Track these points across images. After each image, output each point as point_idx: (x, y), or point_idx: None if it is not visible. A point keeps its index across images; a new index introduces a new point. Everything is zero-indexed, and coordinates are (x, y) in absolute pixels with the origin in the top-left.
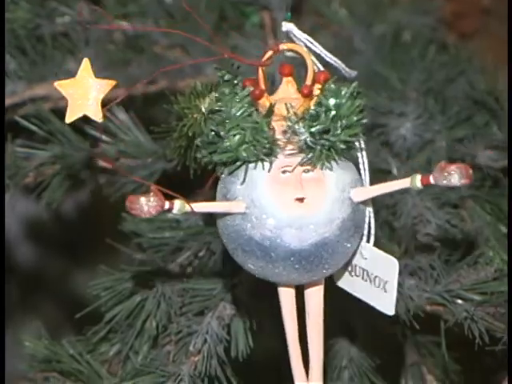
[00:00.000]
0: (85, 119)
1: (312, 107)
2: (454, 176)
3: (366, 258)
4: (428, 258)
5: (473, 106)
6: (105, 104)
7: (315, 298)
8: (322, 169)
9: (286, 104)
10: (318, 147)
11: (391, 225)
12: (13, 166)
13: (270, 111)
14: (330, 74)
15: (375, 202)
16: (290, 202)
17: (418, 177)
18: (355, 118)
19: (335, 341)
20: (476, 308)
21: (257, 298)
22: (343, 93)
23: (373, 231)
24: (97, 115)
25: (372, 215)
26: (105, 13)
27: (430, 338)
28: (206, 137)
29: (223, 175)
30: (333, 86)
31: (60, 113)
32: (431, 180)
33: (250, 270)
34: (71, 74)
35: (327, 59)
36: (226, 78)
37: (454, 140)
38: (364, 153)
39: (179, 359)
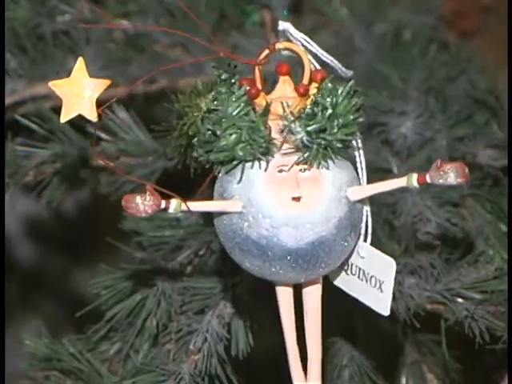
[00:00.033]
0: (84, 117)
1: (308, 106)
2: (450, 175)
3: (362, 257)
4: (428, 256)
5: (473, 105)
6: (100, 103)
7: (313, 296)
8: (318, 168)
9: (282, 103)
10: (315, 146)
11: (391, 223)
12: (13, 164)
13: (267, 110)
14: (327, 73)
15: (375, 200)
16: (286, 201)
17: (415, 176)
18: (352, 117)
19: (336, 340)
20: (476, 307)
21: (257, 297)
22: (340, 91)
23: (370, 230)
24: (91, 115)
25: (369, 214)
26: (105, 12)
27: (431, 337)
28: (202, 136)
29: (220, 174)
30: (329, 84)
31: (60, 111)
32: (427, 179)
33: (248, 269)
34: (71, 74)
35: (324, 58)
36: (224, 77)
37: (455, 139)
38: (361, 151)
39: (179, 358)
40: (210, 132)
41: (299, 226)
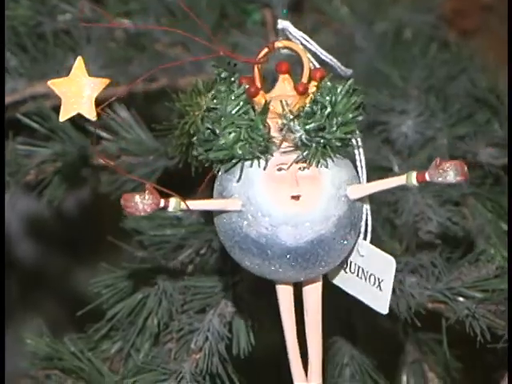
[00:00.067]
0: (84, 116)
1: (308, 105)
2: (450, 173)
3: (362, 256)
4: (429, 255)
5: (474, 104)
6: (100, 102)
7: (313, 295)
8: (317, 166)
9: (281, 101)
10: (314, 145)
11: (392, 222)
12: (14, 163)
13: (266, 109)
14: (326, 72)
15: (376, 199)
16: (285, 199)
17: (414, 174)
18: (351, 116)
19: (336, 338)
20: (477, 305)
21: (258, 296)
22: (339, 90)
23: (370, 228)
24: (90, 114)
25: (369, 212)
26: (106, 11)
27: (432, 336)
28: (201, 134)
29: (219, 173)
30: (328, 83)
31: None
32: (427, 177)
33: (247, 268)
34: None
35: (323, 57)
36: (223, 75)
37: (456, 137)
38: (361, 150)
39: (181, 357)
40: (209, 131)
41: (298, 224)
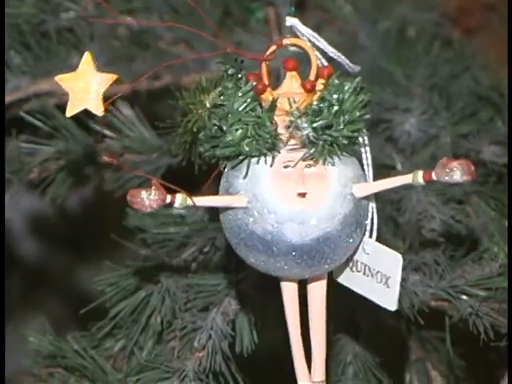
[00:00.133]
0: (90, 111)
1: (315, 102)
2: (456, 172)
3: (368, 254)
4: (433, 253)
5: (477, 102)
6: (107, 98)
7: (318, 292)
8: (324, 164)
9: (288, 99)
10: (321, 142)
11: (396, 220)
12: (17, 161)
13: (273, 106)
14: (334, 70)
15: (379, 197)
16: (291, 196)
17: (420, 173)
18: (358, 114)
19: (340, 336)
20: (481, 304)
21: (261, 294)
22: (346, 88)
23: (375, 226)
24: (98, 109)
25: (375, 210)
26: (109, 8)
27: (435, 334)
28: (208, 131)
29: (226, 170)
30: (336, 81)
31: (64, 108)
32: (433, 176)
33: (252, 265)
34: (75, 70)
35: (331, 54)
36: (230, 72)
37: (459, 136)
38: (367, 148)
39: (184, 355)
40: (216, 127)
41: (304, 221)
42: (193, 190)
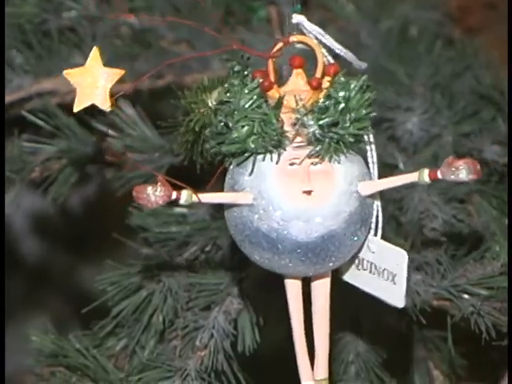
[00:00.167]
0: (92, 110)
1: (321, 100)
2: (462, 171)
3: (373, 252)
4: (434, 252)
5: (479, 101)
6: (112, 95)
7: (322, 290)
8: (330, 162)
9: (295, 96)
10: (327, 140)
11: (398, 219)
12: (19, 160)
13: (279, 103)
14: (340, 67)
15: (382, 196)
16: (297, 194)
17: (426, 171)
18: (364, 112)
19: (342, 336)
20: (482, 303)
21: (263, 293)
22: (352, 86)
23: (380, 224)
24: (104, 104)
25: (380, 209)
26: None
27: (437, 333)
28: (214, 127)
29: (231, 166)
30: (342, 78)
31: (66, 107)
32: (439, 175)
33: (257, 262)
34: None
35: (337, 51)
36: (236, 69)
37: (461, 135)
38: (373, 146)
39: (186, 354)
40: (222, 124)
41: (309, 219)
42: (194, 189)
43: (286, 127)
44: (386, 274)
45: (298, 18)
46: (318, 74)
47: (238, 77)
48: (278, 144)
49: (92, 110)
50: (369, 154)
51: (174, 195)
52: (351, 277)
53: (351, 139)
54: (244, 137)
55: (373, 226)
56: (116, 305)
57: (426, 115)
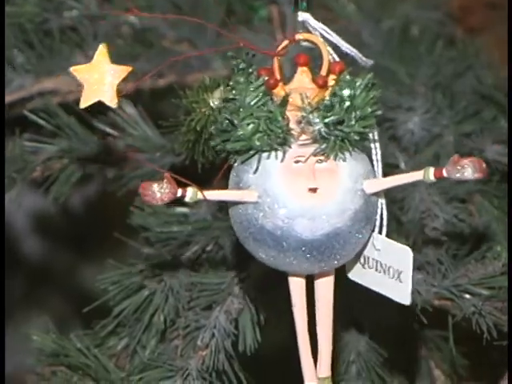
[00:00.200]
0: (93, 109)
1: (327, 98)
2: (468, 170)
3: (378, 250)
4: (436, 252)
5: (480, 101)
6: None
7: (325, 288)
8: (335, 159)
9: (300, 94)
10: (332, 138)
11: (399, 219)
12: (20, 160)
13: (285, 101)
14: (346, 65)
15: (385, 195)
16: (302, 192)
17: (431, 170)
18: (369, 110)
19: (343, 335)
20: (484, 303)
21: (265, 293)
22: (358, 84)
23: (385, 222)
24: (112, 101)
25: (384, 206)
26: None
27: (438, 333)
28: (219, 125)
29: (236, 164)
30: (348, 77)
31: (68, 107)
32: (444, 173)
33: (261, 259)
34: None
35: (343, 49)
36: (241, 66)
37: (462, 135)
38: (377, 144)
39: (187, 354)
40: (227, 121)
41: (315, 217)
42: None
43: (292, 125)
44: (391, 271)
45: (303, 16)
46: (324, 72)
47: (243, 74)
48: (284, 142)
49: (93, 110)
50: (373, 151)
51: (180, 192)
52: (358, 276)
53: (356, 137)
54: (249, 134)
55: (377, 223)
56: (117, 304)
57: (427, 115)
